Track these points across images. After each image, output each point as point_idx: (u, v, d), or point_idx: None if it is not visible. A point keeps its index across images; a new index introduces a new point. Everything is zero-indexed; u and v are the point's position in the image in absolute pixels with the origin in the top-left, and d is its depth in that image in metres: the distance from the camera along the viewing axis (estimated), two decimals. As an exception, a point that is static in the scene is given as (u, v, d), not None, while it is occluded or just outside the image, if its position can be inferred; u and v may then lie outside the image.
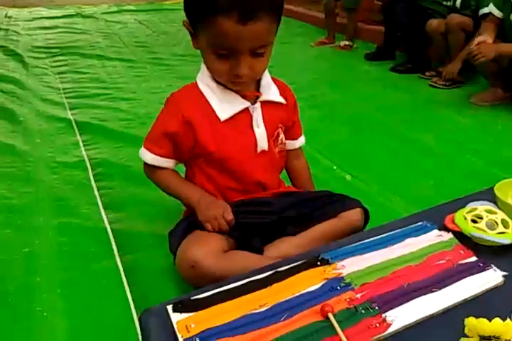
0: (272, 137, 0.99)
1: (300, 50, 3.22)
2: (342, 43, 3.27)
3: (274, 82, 1.00)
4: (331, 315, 0.66)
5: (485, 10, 2.25)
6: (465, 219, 0.86)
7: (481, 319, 0.59)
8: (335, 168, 1.54)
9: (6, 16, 4.42)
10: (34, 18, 4.31)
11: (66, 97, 2.20)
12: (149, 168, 1.00)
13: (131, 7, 4.98)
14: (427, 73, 2.60)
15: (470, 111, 2.10)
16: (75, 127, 1.84)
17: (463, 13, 2.45)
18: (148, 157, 0.97)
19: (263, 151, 0.99)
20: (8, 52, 3.03)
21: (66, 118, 1.93)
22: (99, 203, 1.30)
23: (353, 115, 2.04)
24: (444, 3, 2.66)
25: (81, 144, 1.69)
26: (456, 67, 2.35)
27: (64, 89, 2.33)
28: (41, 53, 3.03)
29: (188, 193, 0.97)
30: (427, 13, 2.65)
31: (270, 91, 0.98)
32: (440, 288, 0.74)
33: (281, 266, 0.79)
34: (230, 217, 0.91)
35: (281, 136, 1.02)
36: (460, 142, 1.74)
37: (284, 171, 1.14)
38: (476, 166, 1.55)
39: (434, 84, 2.45)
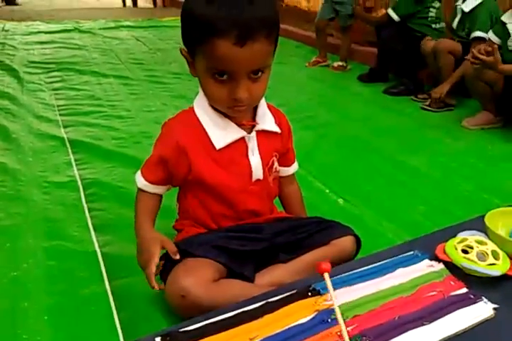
0: (266, 166, 0.99)
1: (295, 70, 3.26)
2: (336, 64, 3.32)
3: (270, 110, 1.01)
4: (326, 275, 0.67)
5: (476, 33, 2.32)
6: (456, 249, 0.87)
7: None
8: (327, 191, 1.54)
9: (3, 30, 4.45)
10: (31, 33, 4.34)
11: (60, 114, 2.21)
12: (138, 192, 1.01)
13: (129, 23, 5.03)
14: (419, 96, 2.64)
15: (461, 134, 2.12)
16: (68, 145, 1.83)
17: (459, 35, 2.50)
18: (140, 182, 0.98)
19: (258, 180, 0.99)
20: (4, 66, 3.04)
21: (59, 137, 1.92)
22: (90, 225, 1.29)
23: (345, 137, 2.05)
24: (433, 26, 2.72)
25: (73, 163, 1.68)
26: (444, 88, 2.39)
27: (58, 106, 2.33)
28: (37, 69, 3.04)
29: (138, 226, 0.97)
30: (416, 37, 2.70)
31: (266, 121, 0.98)
32: (431, 321, 0.73)
33: (272, 297, 0.78)
34: (154, 269, 0.88)
35: (276, 164, 1.03)
36: (451, 166, 1.76)
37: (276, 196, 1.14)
38: (466, 191, 1.56)
39: (425, 108, 2.48)
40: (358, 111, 2.46)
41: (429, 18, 2.73)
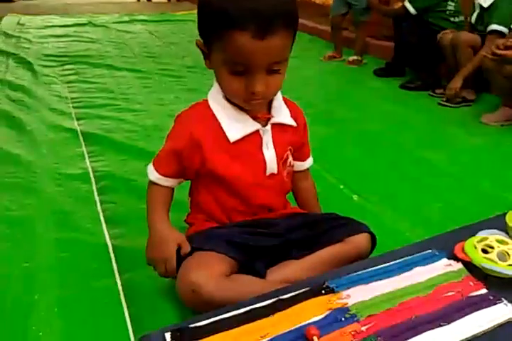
0: (281, 160, 0.97)
1: (309, 64, 3.22)
2: (351, 58, 3.27)
3: (286, 103, 0.98)
4: (315, 339, 0.65)
5: (493, 27, 2.25)
6: (475, 248, 0.84)
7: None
8: (342, 187, 1.51)
9: (18, 23, 4.47)
10: (46, 26, 4.35)
11: (73, 107, 2.21)
12: (149, 184, 0.99)
13: (143, 17, 5.02)
14: (437, 91, 2.59)
15: (480, 130, 2.07)
16: (81, 138, 1.83)
17: (478, 29, 2.44)
18: (152, 175, 0.96)
19: (272, 174, 0.97)
20: (19, 59, 3.05)
21: (72, 129, 1.92)
22: (102, 218, 1.28)
23: (361, 132, 2.02)
24: (452, 19, 2.66)
25: (86, 156, 1.68)
26: (457, 83, 2.33)
27: (72, 98, 2.34)
28: (51, 62, 3.05)
29: (152, 219, 0.95)
30: (435, 31, 2.64)
31: (281, 113, 0.96)
32: (449, 323, 0.71)
33: (284, 294, 0.76)
34: (172, 269, 0.88)
35: (290, 158, 1.00)
36: (470, 163, 1.72)
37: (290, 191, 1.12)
38: (485, 189, 1.52)
39: (443, 103, 2.43)
40: (374, 106, 2.42)
41: (448, 12, 2.66)
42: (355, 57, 3.27)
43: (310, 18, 4.36)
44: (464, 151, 1.83)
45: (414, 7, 2.67)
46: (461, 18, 2.68)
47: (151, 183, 0.98)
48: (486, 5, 2.32)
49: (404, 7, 2.75)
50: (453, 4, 2.66)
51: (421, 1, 2.65)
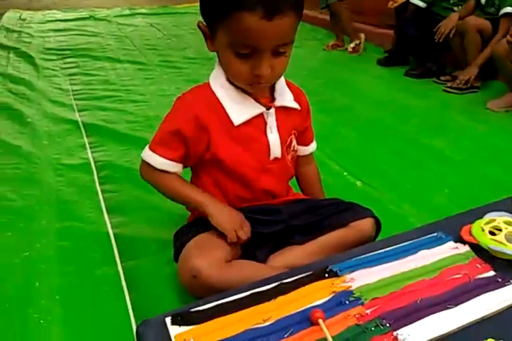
0: (285, 144, 0.95)
1: (311, 53, 3.18)
2: (349, 47, 3.22)
3: (289, 87, 0.96)
4: (321, 322, 0.63)
5: (507, 9, 2.19)
6: (482, 230, 0.82)
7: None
8: (345, 173, 1.49)
9: (20, 19, 4.46)
10: (47, 21, 4.34)
11: (75, 99, 2.20)
12: (153, 172, 0.92)
13: (144, 10, 4.99)
14: (441, 78, 2.55)
15: (485, 117, 2.04)
16: (82, 129, 1.82)
17: (487, 11, 2.38)
18: (158, 162, 0.90)
19: (275, 159, 0.94)
20: (20, 53, 3.04)
21: (74, 120, 1.91)
22: (103, 207, 1.27)
23: (366, 120, 1.99)
24: (455, 8, 2.60)
25: (87, 146, 1.67)
26: (473, 70, 2.29)
27: (73, 91, 2.32)
28: (53, 55, 3.03)
29: (198, 195, 0.91)
30: (439, 21, 2.60)
31: (285, 97, 0.94)
32: (456, 305, 0.69)
33: (286, 278, 0.75)
34: (249, 231, 0.87)
35: (294, 142, 0.98)
36: (475, 149, 1.69)
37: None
38: (491, 174, 1.50)
39: (448, 90, 2.39)
40: (378, 93, 2.39)
41: (452, 1, 2.60)
42: (352, 45, 3.22)
43: (311, 8, 4.31)
44: (469, 137, 1.80)
45: (422, 0, 2.62)
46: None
47: (157, 171, 0.91)
48: None
49: (407, 2, 2.70)
50: None
51: None
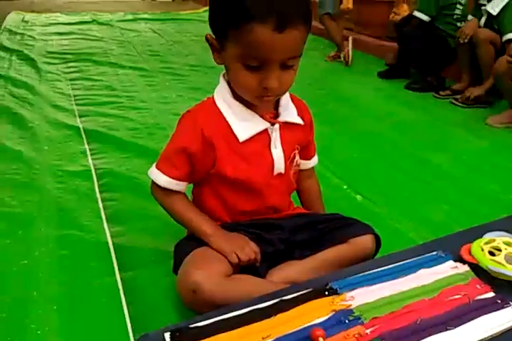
0: (288, 159, 0.95)
1: (313, 63, 3.20)
2: (329, 55, 3.27)
3: (293, 101, 0.97)
4: (321, 340, 0.64)
5: (510, 36, 2.21)
6: (482, 250, 0.83)
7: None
8: (345, 187, 1.50)
9: (22, 21, 4.47)
10: (50, 24, 4.35)
11: (76, 104, 2.20)
12: (160, 190, 0.94)
13: (147, 16, 5.02)
14: (441, 92, 2.57)
15: (485, 132, 2.05)
16: (83, 135, 1.82)
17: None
18: (162, 180, 0.91)
19: (279, 174, 0.95)
20: (23, 56, 3.05)
21: (75, 126, 1.91)
22: (103, 215, 1.27)
23: (366, 133, 2.00)
24: (459, 24, 2.62)
25: (88, 153, 1.67)
26: (476, 92, 2.31)
27: (75, 95, 2.33)
28: (55, 59, 3.04)
29: (203, 224, 0.92)
30: (440, 36, 2.62)
31: (289, 112, 0.94)
32: (455, 326, 0.70)
33: (286, 294, 0.75)
34: (256, 248, 0.87)
35: (297, 157, 0.99)
36: (474, 165, 1.70)
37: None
38: (490, 190, 1.50)
39: (455, 102, 2.40)
40: (378, 106, 2.40)
41: (455, 16, 2.63)
42: (333, 53, 3.25)
43: (314, 18, 4.34)
44: (469, 153, 1.81)
45: (426, 14, 2.63)
46: (469, 17, 2.63)
47: (163, 190, 0.93)
48: (495, 13, 2.28)
49: (410, 15, 2.73)
50: (461, 8, 2.63)
51: (432, 7, 2.60)
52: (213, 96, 0.93)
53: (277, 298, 0.74)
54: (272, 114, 0.93)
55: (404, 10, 3.88)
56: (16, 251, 1.11)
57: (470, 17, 2.49)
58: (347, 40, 3.14)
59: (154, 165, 0.94)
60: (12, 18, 4.54)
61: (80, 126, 1.92)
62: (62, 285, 1.00)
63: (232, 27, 0.78)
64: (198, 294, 0.78)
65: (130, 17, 4.88)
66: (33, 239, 1.16)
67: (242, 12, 0.76)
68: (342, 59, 3.20)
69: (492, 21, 2.34)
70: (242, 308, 0.71)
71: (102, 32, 4.05)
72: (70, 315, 0.92)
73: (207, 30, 0.88)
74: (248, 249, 0.86)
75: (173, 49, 3.53)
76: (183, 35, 4.04)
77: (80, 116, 2.03)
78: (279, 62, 0.80)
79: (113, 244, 1.15)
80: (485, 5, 2.36)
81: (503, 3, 2.25)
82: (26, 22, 4.43)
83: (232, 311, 0.71)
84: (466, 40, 2.35)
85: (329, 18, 3.19)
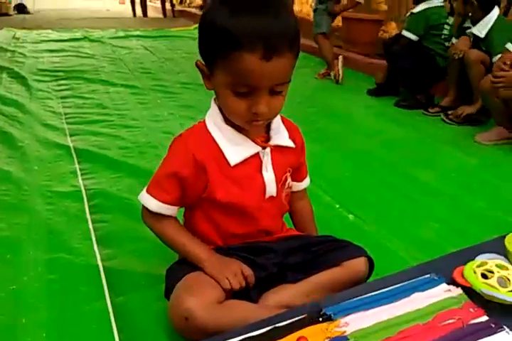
0: (280, 182, 0.96)
1: (303, 82, 3.23)
2: (319, 73, 3.34)
3: (284, 123, 0.97)
4: None
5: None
6: (475, 273, 0.82)
7: None
8: (337, 206, 1.50)
9: (13, 37, 4.49)
10: (41, 41, 4.37)
11: (67, 123, 2.19)
12: (150, 216, 0.94)
13: (138, 33, 5.06)
14: (430, 110, 2.61)
15: (474, 149, 2.08)
16: (74, 155, 1.81)
17: None
18: (153, 204, 0.91)
19: (271, 197, 0.95)
20: (13, 74, 3.05)
21: (65, 145, 1.90)
22: (93, 237, 1.26)
23: (356, 150, 2.02)
24: (447, 44, 2.68)
25: (78, 173, 1.66)
26: (476, 108, 2.34)
27: (66, 114, 2.32)
28: (46, 76, 3.04)
29: (195, 249, 0.91)
30: (429, 55, 2.67)
31: (280, 135, 0.95)
32: (450, 352, 0.69)
33: (280, 321, 0.74)
34: (250, 272, 0.87)
35: (289, 180, 0.99)
36: (463, 182, 1.72)
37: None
38: (480, 209, 1.51)
39: (445, 120, 2.43)
40: (368, 124, 2.43)
41: (443, 36, 2.69)
42: (323, 71, 3.31)
43: (304, 36, 4.41)
44: (458, 170, 1.83)
45: (414, 34, 2.68)
46: (453, 40, 2.67)
47: (154, 214, 0.92)
48: (482, 35, 2.33)
49: (399, 35, 2.78)
50: (448, 28, 2.69)
51: (421, 27, 2.66)
52: (204, 120, 0.93)
53: (271, 325, 0.73)
54: (264, 137, 0.93)
55: (392, 28, 3.97)
56: (4, 276, 1.09)
57: (454, 40, 2.55)
58: (337, 58, 3.19)
59: (145, 189, 0.93)
60: (3, 35, 4.56)
61: (71, 145, 1.91)
62: (51, 310, 0.99)
63: (220, 55, 0.80)
64: (191, 321, 0.78)
65: (122, 34, 4.92)
66: (21, 262, 1.15)
67: (228, 41, 0.77)
68: (332, 77, 3.25)
69: (479, 43, 2.39)
70: (235, 336, 0.70)
71: (94, 49, 4.07)
72: (59, 342, 0.90)
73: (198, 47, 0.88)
74: (240, 276, 0.86)
75: (164, 66, 3.55)
76: (174, 53, 4.07)
77: (71, 135, 2.03)
78: (268, 89, 0.81)
79: (103, 267, 1.13)
80: (470, 28, 2.42)
81: (489, 26, 2.31)
82: (17, 39, 4.44)
83: (225, 339, 0.70)
84: (460, 56, 2.38)
85: (323, 37, 3.27)
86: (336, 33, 3.54)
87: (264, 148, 0.92)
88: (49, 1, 7.85)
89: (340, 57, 3.18)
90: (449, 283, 0.84)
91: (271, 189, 0.94)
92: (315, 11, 3.33)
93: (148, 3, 7.25)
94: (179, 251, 0.95)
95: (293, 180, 1.03)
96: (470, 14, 2.41)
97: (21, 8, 7.04)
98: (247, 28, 0.76)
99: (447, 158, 1.97)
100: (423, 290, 0.82)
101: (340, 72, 3.17)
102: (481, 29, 2.33)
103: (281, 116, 0.99)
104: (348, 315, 0.76)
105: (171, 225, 0.94)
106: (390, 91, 2.94)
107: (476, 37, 2.38)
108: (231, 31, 0.77)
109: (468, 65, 2.35)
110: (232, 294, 0.87)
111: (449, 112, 2.47)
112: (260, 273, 0.90)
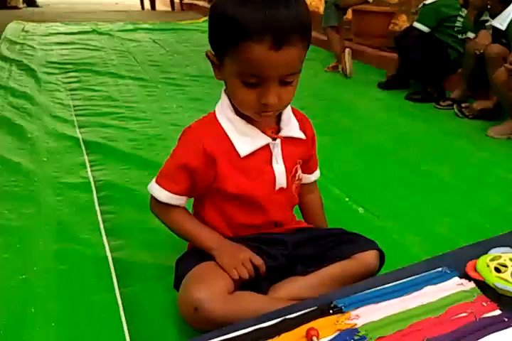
0: (290, 174, 0.95)
1: (312, 74, 3.21)
2: (329, 66, 3.31)
3: (294, 115, 0.96)
4: (315, 339, 0.64)
5: None
6: (488, 267, 0.81)
7: None
8: (347, 199, 1.49)
9: (23, 30, 4.49)
10: (50, 33, 4.37)
11: (76, 115, 2.19)
12: (159, 206, 0.93)
13: (147, 25, 5.04)
14: (441, 103, 2.57)
15: (487, 143, 2.05)
16: (83, 146, 1.81)
17: None
18: (162, 194, 0.90)
19: (281, 188, 0.94)
20: (23, 66, 3.05)
21: (74, 137, 1.91)
22: (102, 229, 1.26)
23: (366, 144, 2.00)
24: (460, 36, 2.64)
25: (87, 164, 1.66)
26: (493, 103, 2.31)
27: (75, 106, 2.32)
28: (55, 69, 3.05)
29: (206, 237, 0.91)
30: (441, 47, 2.62)
31: (291, 127, 0.94)
32: (462, 346, 0.68)
33: (290, 313, 0.73)
34: (260, 261, 0.86)
35: (299, 171, 0.98)
36: (476, 177, 1.69)
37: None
38: (492, 203, 1.49)
39: (459, 114, 2.40)
40: (378, 117, 2.40)
41: (456, 28, 2.65)
42: (333, 64, 3.28)
43: (314, 29, 4.37)
44: (470, 164, 1.81)
45: (426, 25, 2.64)
46: (469, 35, 2.63)
47: (163, 205, 0.92)
48: (503, 27, 2.25)
49: (410, 27, 2.74)
50: (461, 20, 2.64)
51: (433, 19, 2.62)
52: (214, 111, 0.92)
53: (281, 316, 0.72)
54: (274, 129, 0.92)
55: (403, 20, 3.92)
56: (14, 266, 1.10)
57: (471, 34, 2.50)
58: (344, 52, 3.16)
59: (154, 179, 0.93)
60: (12, 28, 4.56)
61: (80, 137, 1.91)
62: (60, 300, 0.99)
63: (229, 45, 0.79)
64: (200, 312, 0.77)
65: (130, 27, 4.91)
66: (31, 253, 1.15)
67: (238, 30, 0.76)
68: (340, 70, 3.22)
69: (498, 36, 2.33)
70: (245, 327, 0.70)
71: (102, 42, 4.06)
72: (68, 332, 0.90)
73: (207, 40, 0.88)
74: (249, 264, 0.85)
75: (173, 59, 3.54)
76: (183, 45, 4.05)
77: (80, 127, 2.03)
78: (278, 79, 0.80)
79: (112, 258, 1.13)
80: (487, 21, 2.37)
81: (510, 18, 2.25)
82: (26, 32, 4.44)
83: (235, 330, 0.69)
84: (481, 51, 2.32)
85: (333, 31, 3.24)
86: (346, 26, 3.50)
87: (274, 139, 0.91)
88: (58, -6, 7.85)
89: (347, 50, 3.14)
90: (461, 277, 0.83)
91: (281, 180, 0.93)
92: (325, 3, 3.30)
93: (156, -4, 7.24)
94: (189, 239, 0.95)
95: (303, 173, 1.02)
96: (488, 7, 2.36)
97: (30, 2, 7.05)
98: (256, 18, 0.75)
99: (459, 151, 1.95)
100: (435, 284, 0.81)
101: (348, 65, 3.13)
102: (502, 21, 2.27)
103: (292, 108, 0.97)
104: (359, 307, 0.75)
105: (180, 214, 0.94)
106: (401, 85, 2.90)
107: (495, 30, 2.33)
108: (240, 21, 0.75)
109: (488, 60, 2.30)
110: (240, 283, 0.87)
111: (463, 105, 2.43)
112: (270, 262, 0.89)
